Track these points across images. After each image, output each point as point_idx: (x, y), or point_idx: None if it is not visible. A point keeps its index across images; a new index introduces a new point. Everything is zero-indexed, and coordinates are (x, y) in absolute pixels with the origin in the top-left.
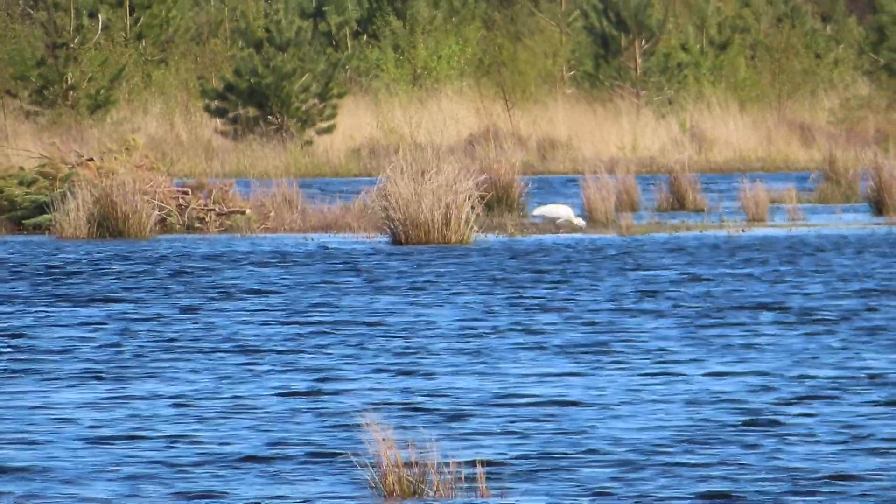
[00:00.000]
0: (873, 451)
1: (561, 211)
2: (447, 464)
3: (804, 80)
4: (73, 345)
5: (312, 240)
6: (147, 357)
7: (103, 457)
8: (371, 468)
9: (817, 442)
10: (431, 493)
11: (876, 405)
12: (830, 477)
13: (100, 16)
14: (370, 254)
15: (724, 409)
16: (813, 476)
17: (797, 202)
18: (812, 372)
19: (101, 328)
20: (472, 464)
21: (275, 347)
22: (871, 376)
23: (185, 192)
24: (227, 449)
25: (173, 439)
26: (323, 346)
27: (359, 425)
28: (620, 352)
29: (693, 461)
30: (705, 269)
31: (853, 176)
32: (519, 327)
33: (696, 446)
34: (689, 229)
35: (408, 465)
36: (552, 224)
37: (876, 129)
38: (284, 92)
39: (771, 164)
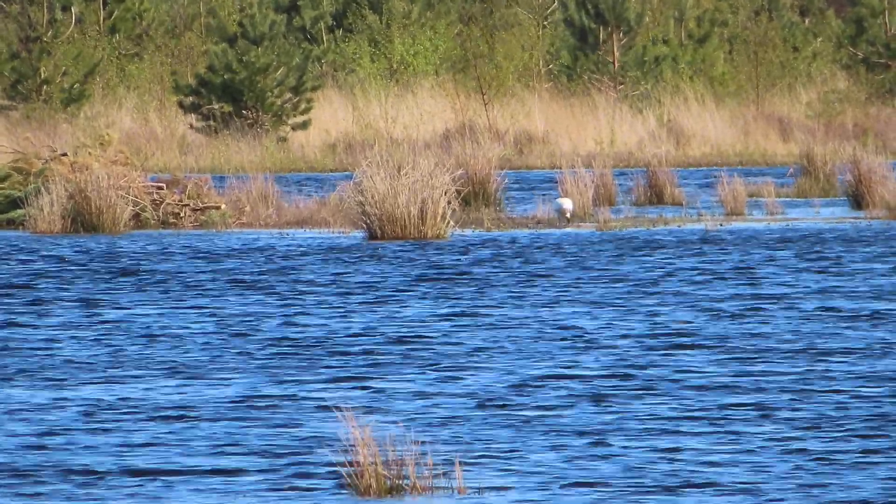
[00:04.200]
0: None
1: (568, 204)
2: (424, 461)
3: (782, 74)
4: None
5: (287, 235)
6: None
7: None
8: (348, 465)
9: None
10: (408, 490)
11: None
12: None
13: (73, 9)
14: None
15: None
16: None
17: (775, 196)
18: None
19: None
20: (450, 460)
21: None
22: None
23: (160, 188)
24: (205, 450)
25: (136, 444)
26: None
27: (335, 423)
28: (588, 348)
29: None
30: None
31: (831, 170)
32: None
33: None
34: (666, 223)
35: (385, 462)
36: (563, 215)
37: (854, 123)
38: (259, 87)
39: (749, 158)
